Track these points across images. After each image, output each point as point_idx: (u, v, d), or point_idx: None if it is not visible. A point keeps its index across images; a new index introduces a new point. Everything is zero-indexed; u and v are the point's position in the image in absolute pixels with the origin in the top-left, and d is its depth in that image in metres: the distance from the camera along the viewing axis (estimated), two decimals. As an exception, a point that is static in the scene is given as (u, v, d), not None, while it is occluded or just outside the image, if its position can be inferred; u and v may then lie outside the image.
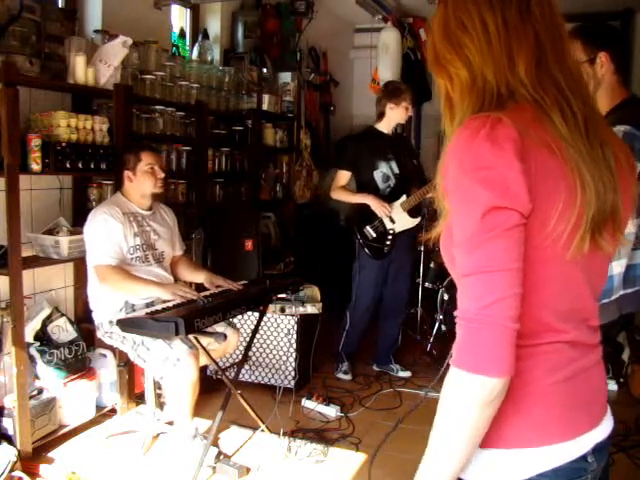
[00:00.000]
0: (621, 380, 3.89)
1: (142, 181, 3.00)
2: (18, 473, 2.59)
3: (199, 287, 3.28)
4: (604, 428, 1.02)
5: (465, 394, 0.87)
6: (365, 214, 3.85)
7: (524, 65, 0.94)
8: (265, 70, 4.79)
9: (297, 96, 5.14)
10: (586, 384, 1.00)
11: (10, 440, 2.73)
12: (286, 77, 5.09)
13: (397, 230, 3.84)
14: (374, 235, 3.87)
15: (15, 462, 2.61)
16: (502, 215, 0.86)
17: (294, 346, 3.65)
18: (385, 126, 3.90)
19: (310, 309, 3.67)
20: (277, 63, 4.99)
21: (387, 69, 5.38)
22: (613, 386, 3.81)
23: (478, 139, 0.87)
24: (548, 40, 0.95)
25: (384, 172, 3.87)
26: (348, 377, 4.00)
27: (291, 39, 5.13)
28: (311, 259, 5.01)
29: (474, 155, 0.87)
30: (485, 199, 0.86)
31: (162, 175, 3.04)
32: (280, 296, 3.24)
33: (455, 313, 0.90)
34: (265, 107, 4.67)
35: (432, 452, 0.93)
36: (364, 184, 3.92)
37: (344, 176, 3.95)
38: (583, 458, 0.96)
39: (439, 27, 1.01)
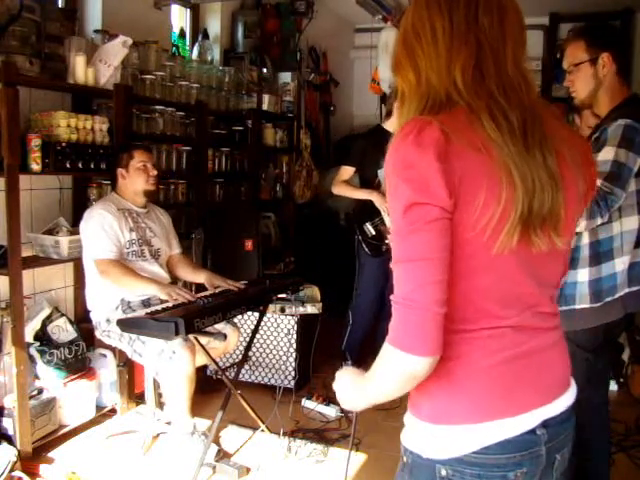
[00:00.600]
0: (621, 380, 3.89)
1: (134, 178, 3.03)
2: (18, 473, 2.59)
3: (199, 287, 3.29)
4: (560, 404, 1.10)
5: (393, 368, 0.99)
6: (366, 211, 3.84)
7: (460, 72, 1.01)
8: (265, 70, 4.79)
9: (297, 96, 5.14)
10: (535, 364, 1.07)
11: (10, 440, 2.73)
12: (286, 77, 5.09)
13: None
14: (373, 232, 3.86)
15: (15, 462, 2.61)
16: (422, 210, 0.94)
17: (294, 346, 3.64)
18: (392, 125, 3.87)
19: (310, 309, 3.66)
20: (277, 63, 4.99)
21: (387, 69, 5.37)
22: (613, 386, 3.81)
23: (407, 141, 0.96)
24: (491, 49, 1.01)
25: None
26: None
27: (291, 39, 5.13)
28: (311, 259, 5.01)
29: (402, 156, 0.96)
30: (407, 195, 0.95)
31: (154, 173, 3.07)
32: (280, 296, 3.24)
33: (390, 297, 0.99)
34: (265, 107, 4.67)
35: (363, 389, 1.10)
36: (367, 181, 3.91)
37: (347, 171, 3.93)
38: (532, 432, 1.05)
39: (400, 34, 1.09)
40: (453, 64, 1.01)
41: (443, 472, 1.03)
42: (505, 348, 1.04)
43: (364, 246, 3.87)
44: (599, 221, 1.86)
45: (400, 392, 1.02)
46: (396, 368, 0.98)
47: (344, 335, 4.04)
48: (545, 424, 1.06)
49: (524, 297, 1.06)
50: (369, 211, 3.83)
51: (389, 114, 3.89)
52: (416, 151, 0.95)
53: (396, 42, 1.10)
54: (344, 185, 3.93)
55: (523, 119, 1.00)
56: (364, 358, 4.13)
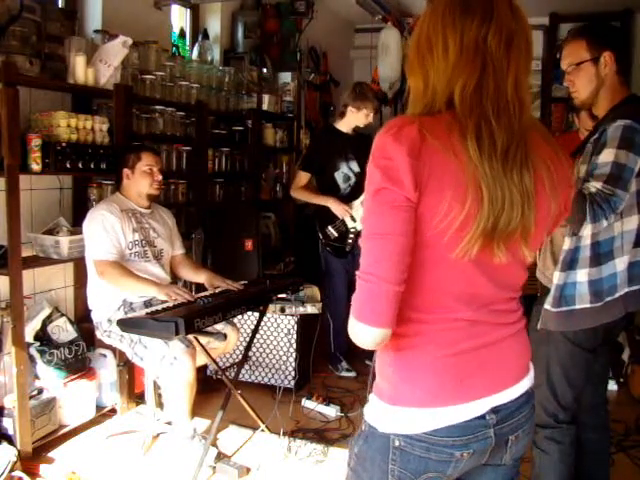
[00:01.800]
0: (621, 380, 3.89)
1: (139, 180, 3.03)
2: (18, 473, 2.59)
3: (199, 287, 3.29)
4: (511, 392, 1.19)
5: (354, 336, 1.10)
6: (327, 214, 3.90)
7: (460, 87, 1.07)
8: (265, 70, 4.79)
9: (297, 96, 5.13)
10: (486, 356, 1.16)
11: (10, 440, 2.73)
12: (286, 77, 5.09)
13: (359, 228, 3.86)
14: (336, 235, 3.93)
15: (15, 462, 2.61)
16: (389, 195, 1.03)
17: (294, 346, 3.65)
18: (344, 126, 3.93)
19: (310, 309, 3.67)
20: (277, 63, 4.99)
21: (387, 69, 5.38)
22: (613, 386, 3.81)
23: (387, 135, 1.04)
24: (493, 72, 1.07)
25: (344, 172, 3.92)
26: (352, 374, 4.02)
27: (291, 39, 5.12)
28: (311, 259, 5.00)
29: (381, 146, 1.05)
30: (378, 180, 1.04)
31: (159, 177, 3.07)
32: (280, 296, 3.24)
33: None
34: (265, 107, 4.67)
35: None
36: (325, 184, 3.97)
37: (304, 177, 4.00)
38: (481, 417, 1.14)
39: (414, 41, 1.16)
40: (455, 79, 1.08)
41: (397, 442, 1.14)
42: (458, 340, 1.13)
43: (328, 249, 3.96)
44: (605, 224, 1.85)
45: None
46: (355, 335, 1.10)
47: (329, 338, 4.06)
48: (494, 410, 1.16)
49: (480, 296, 1.14)
50: (330, 214, 3.89)
51: (342, 115, 3.93)
52: (393, 144, 1.03)
53: (410, 46, 1.17)
54: (302, 190, 4.01)
55: (508, 144, 1.06)
56: (354, 352, 4.13)
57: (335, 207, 3.85)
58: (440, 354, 1.12)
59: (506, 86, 1.08)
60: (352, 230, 3.90)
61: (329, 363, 4.13)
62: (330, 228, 3.92)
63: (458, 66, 1.08)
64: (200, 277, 3.18)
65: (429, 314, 1.11)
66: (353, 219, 3.87)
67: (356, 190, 3.86)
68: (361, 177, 3.85)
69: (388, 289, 1.04)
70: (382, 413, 1.17)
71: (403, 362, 1.14)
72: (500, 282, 1.15)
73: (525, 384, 1.23)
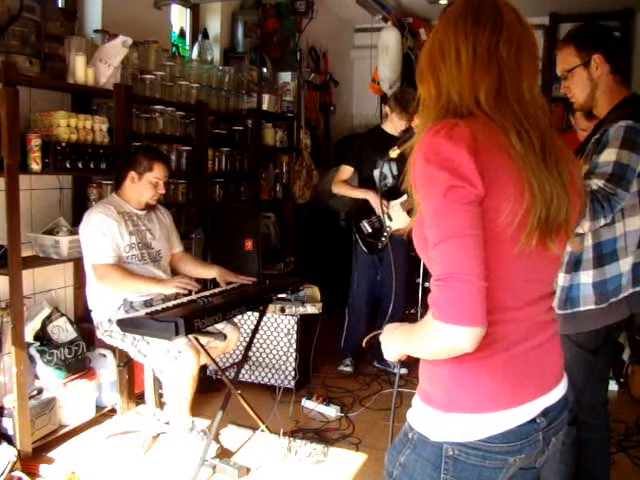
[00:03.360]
0: (621, 380, 3.89)
1: (143, 189, 3.01)
2: (18, 473, 2.58)
3: (205, 282, 3.29)
4: (557, 392, 1.20)
5: (438, 343, 1.04)
6: (364, 209, 3.94)
7: (484, 93, 1.11)
8: (265, 70, 4.79)
9: (297, 96, 5.13)
10: (539, 357, 1.16)
11: (10, 440, 2.73)
12: (286, 77, 5.09)
13: (394, 228, 3.86)
14: (369, 230, 3.96)
15: (15, 462, 2.60)
16: (460, 192, 1.03)
17: (294, 346, 3.64)
18: (391, 128, 3.95)
19: (310, 309, 3.66)
20: (277, 63, 4.98)
21: (387, 69, 5.38)
22: (613, 386, 3.81)
23: (438, 137, 1.06)
24: (510, 77, 1.13)
25: (383, 172, 3.92)
26: (349, 369, 4.03)
27: (291, 39, 5.12)
28: (311, 259, 5.01)
29: (435, 149, 1.05)
30: (445, 179, 1.03)
31: (163, 191, 3.07)
32: (280, 296, 3.24)
33: (431, 281, 1.05)
34: (265, 107, 4.67)
35: (406, 342, 1.17)
36: (363, 180, 4.02)
37: (347, 171, 4.06)
38: (532, 421, 1.14)
39: (426, 49, 1.20)
40: (477, 86, 1.12)
41: (450, 451, 1.12)
42: (516, 341, 1.12)
43: (361, 244, 3.98)
44: (602, 222, 1.85)
45: (438, 357, 1.10)
46: (441, 342, 1.03)
47: (342, 336, 4.07)
48: (544, 412, 1.16)
49: (531, 292, 1.15)
50: (366, 210, 3.93)
51: (387, 117, 3.98)
52: (449, 143, 1.04)
53: (422, 54, 1.21)
54: (343, 184, 4.06)
55: (542, 141, 1.11)
56: (363, 356, 4.14)
57: (374, 200, 3.85)
58: (500, 356, 1.11)
59: (523, 90, 1.13)
60: (387, 229, 3.90)
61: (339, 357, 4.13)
62: (365, 223, 3.96)
63: (475, 73, 1.12)
64: (211, 272, 3.17)
65: (489, 315, 1.05)
66: (390, 218, 3.87)
67: (390, 191, 3.86)
68: (397, 179, 3.88)
69: (480, 286, 1.01)
70: (434, 421, 1.14)
71: (462, 367, 1.10)
72: (544, 276, 1.18)
73: (565, 384, 1.25)
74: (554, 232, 1.11)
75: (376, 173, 3.92)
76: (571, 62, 2.02)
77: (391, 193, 3.88)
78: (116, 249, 2.89)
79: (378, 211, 3.86)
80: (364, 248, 3.98)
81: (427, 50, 1.20)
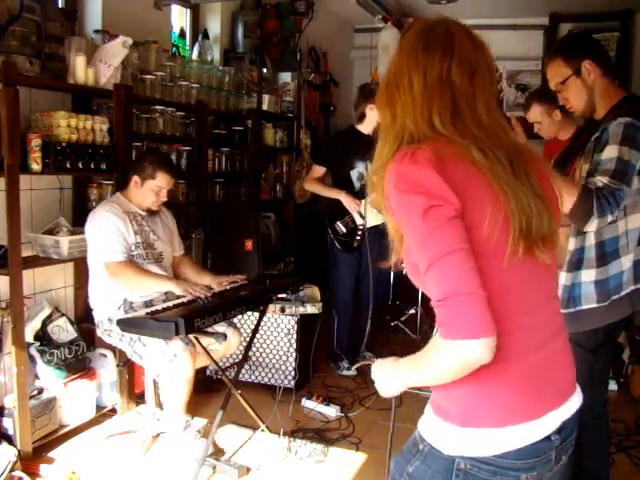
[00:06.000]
0: (621, 380, 3.89)
1: (144, 195, 3.02)
2: (18, 473, 2.59)
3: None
4: (573, 403, 1.20)
5: (452, 361, 1.02)
6: (337, 210, 3.97)
7: (439, 118, 1.13)
8: (265, 70, 4.79)
9: (297, 96, 5.13)
10: (553, 366, 1.16)
11: (10, 440, 2.73)
12: (286, 77, 5.09)
13: (367, 225, 3.90)
14: (344, 230, 4.00)
15: (15, 462, 2.61)
16: (439, 210, 1.03)
17: (294, 346, 3.64)
18: (366, 127, 3.96)
19: (310, 309, 3.66)
20: (277, 63, 4.98)
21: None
22: (613, 386, 3.81)
23: (403, 165, 1.07)
24: (465, 102, 1.14)
25: (360, 172, 3.97)
26: (353, 372, 4.02)
27: (291, 39, 5.12)
28: (311, 259, 5.00)
29: (403, 177, 1.06)
30: (421, 202, 1.03)
31: (164, 199, 3.07)
32: (280, 296, 3.24)
33: (432, 305, 1.04)
34: (265, 107, 4.67)
35: (414, 372, 1.14)
36: (340, 181, 4.04)
37: (318, 170, 4.11)
38: (547, 438, 1.12)
39: (384, 79, 1.22)
40: (429, 111, 1.13)
41: (462, 465, 1.10)
42: (529, 352, 1.11)
43: (336, 243, 4.02)
44: (610, 218, 1.84)
45: (450, 379, 1.06)
46: (456, 359, 1.02)
47: (332, 335, 4.09)
48: (559, 429, 1.15)
49: (531, 301, 1.14)
50: (340, 210, 3.96)
51: (362, 117, 3.97)
52: (415, 168, 1.05)
53: (380, 84, 1.24)
54: (315, 182, 4.11)
55: (509, 159, 1.11)
56: (354, 350, 4.13)
57: (346, 200, 3.90)
58: (514, 368, 1.09)
59: (479, 113, 1.15)
60: (360, 227, 3.94)
61: (330, 361, 4.14)
62: (339, 223, 3.99)
63: (427, 101, 1.13)
64: (204, 280, 3.18)
65: (501, 324, 1.04)
66: (362, 216, 3.91)
67: (363, 189, 3.90)
68: None
69: (481, 295, 1.00)
70: (449, 435, 1.13)
71: (478, 380, 1.07)
72: (545, 286, 1.18)
73: (579, 394, 1.24)
74: (540, 242, 1.11)
75: (354, 174, 3.96)
76: (563, 74, 2.04)
77: (365, 191, 3.90)
78: (126, 245, 2.90)
79: (351, 210, 3.92)
80: (340, 248, 4.02)
81: (385, 78, 1.21)
